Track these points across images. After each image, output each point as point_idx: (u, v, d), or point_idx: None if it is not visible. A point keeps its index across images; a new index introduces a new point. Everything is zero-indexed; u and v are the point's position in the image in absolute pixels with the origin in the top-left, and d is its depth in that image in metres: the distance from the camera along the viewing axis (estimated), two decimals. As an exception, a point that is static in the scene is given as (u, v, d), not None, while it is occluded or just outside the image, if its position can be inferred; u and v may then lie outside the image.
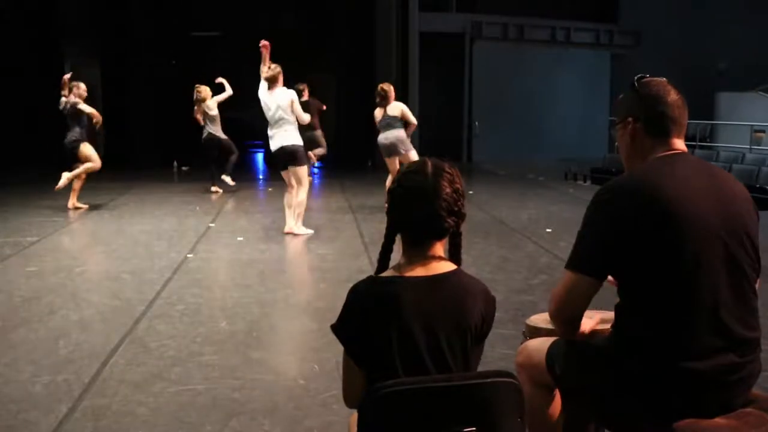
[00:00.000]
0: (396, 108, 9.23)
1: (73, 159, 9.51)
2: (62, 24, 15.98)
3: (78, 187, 9.71)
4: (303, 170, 7.86)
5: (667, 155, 2.17)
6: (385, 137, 9.24)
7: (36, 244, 7.60)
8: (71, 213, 9.53)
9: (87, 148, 9.49)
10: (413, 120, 9.33)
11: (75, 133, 9.36)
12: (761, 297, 2.21)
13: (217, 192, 11.38)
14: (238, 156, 11.67)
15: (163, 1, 16.04)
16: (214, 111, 11.16)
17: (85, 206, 9.78)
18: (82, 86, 9.48)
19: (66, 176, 9.45)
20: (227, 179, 11.33)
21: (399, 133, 9.17)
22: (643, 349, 2.06)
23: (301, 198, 7.91)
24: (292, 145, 7.71)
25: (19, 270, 6.49)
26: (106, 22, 16.04)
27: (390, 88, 9.32)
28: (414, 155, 9.07)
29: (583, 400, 2.28)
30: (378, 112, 9.34)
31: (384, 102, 9.22)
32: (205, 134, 11.27)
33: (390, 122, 9.21)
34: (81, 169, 9.55)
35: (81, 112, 9.34)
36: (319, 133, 12.05)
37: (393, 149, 9.19)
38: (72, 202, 9.71)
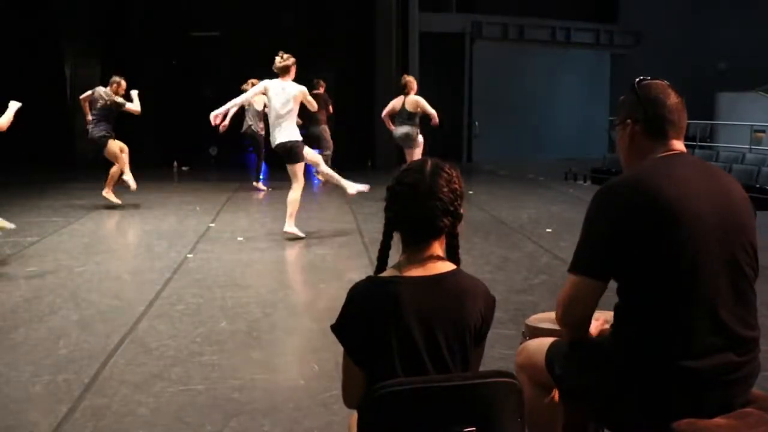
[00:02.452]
0: (413, 103, 9.88)
1: (99, 152, 9.59)
2: (62, 24, 15.98)
3: (116, 173, 9.73)
4: (299, 167, 7.64)
5: (665, 155, 2.18)
6: (397, 129, 10.01)
7: (36, 244, 7.60)
8: (103, 198, 9.70)
9: (114, 146, 9.51)
10: (430, 110, 9.89)
11: (103, 127, 9.39)
12: (760, 296, 2.21)
13: (258, 188, 11.50)
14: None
15: (162, 1, 16.03)
16: (258, 105, 11.12)
17: (118, 201, 9.81)
18: (123, 83, 9.62)
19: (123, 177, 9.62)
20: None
21: (411, 129, 9.91)
22: (642, 348, 2.06)
23: (293, 197, 7.60)
24: (289, 141, 7.50)
25: (19, 270, 6.49)
26: (106, 22, 16.04)
27: (411, 80, 10.01)
28: (418, 153, 9.84)
29: (582, 400, 2.28)
30: (397, 102, 10.00)
31: (405, 91, 9.91)
32: (244, 126, 11.39)
33: (407, 116, 9.91)
34: (112, 173, 9.63)
35: (119, 106, 9.43)
36: (325, 128, 12.08)
37: (405, 140, 9.97)
38: (108, 190, 9.72)
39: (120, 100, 9.40)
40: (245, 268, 6.66)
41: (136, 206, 10.17)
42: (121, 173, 9.65)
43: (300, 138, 7.64)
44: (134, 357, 4.35)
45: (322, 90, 12.21)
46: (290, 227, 7.69)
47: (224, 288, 5.92)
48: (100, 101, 9.38)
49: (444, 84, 17.51)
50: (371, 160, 15.72)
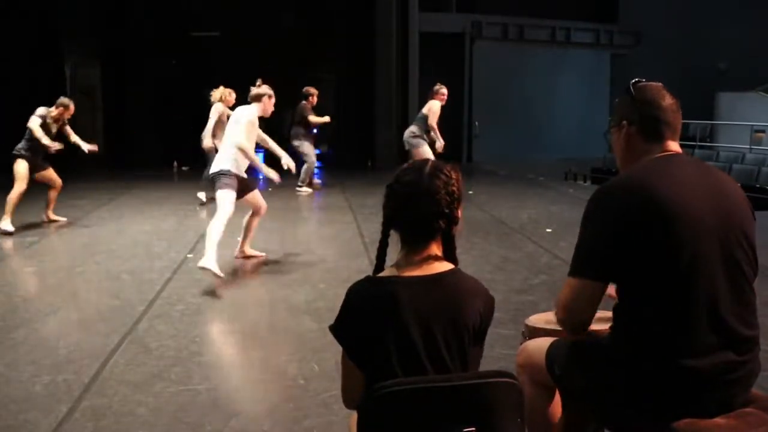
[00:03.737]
0: (426, 106, 10.22)
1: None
2: (62, 24, 15.98)
3: (52, 197, 8.73)
4: (220, 194, 6.33)
5: (662, 156, 2.19)
6: (405, 132, 10.31)
7: (36, 244, 7.60)
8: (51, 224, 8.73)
9: (19, 166, 8.26)
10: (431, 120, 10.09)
11: (21, 144, 8.34)
12: (759, 295, 2.21)
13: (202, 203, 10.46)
14: None
15: (163, 1, 16.04)
16: (214, 118, 9.80)
17: (63, 219, 8.83)
18: (66, 108, 8.37)
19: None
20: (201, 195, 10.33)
21: (411, 128, 10.18)
22: (641, 348, 2.06)
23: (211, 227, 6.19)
24: (216, 171, 6.36)
25: (19, 270, 6.49)
26: (106, 22, 16.04)
27: (437, 88, 10.23)
28: (421, 153, 9.81)
29: (582, 400, 2.28)
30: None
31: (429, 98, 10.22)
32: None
33: (417, 118, 10.26)
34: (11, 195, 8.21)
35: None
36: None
37: (406, 144, 10.18)
38: (47, 214, 8.74)
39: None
40: (245, 268, 6.66)
41: (135, 206, 10.17)
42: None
43: (225, 167, 6.32)
44: (134, 357, 4.35)
45: (314, 101, 11.45)
46: (209, 262, 5.86)
47: (224, 288, 5.92)
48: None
49: (444, 84, 17.50)
50: (371, 160, 15.73)
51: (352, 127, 16.52)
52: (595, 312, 2.20)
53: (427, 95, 10.42)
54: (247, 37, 16.32)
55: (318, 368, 4.16)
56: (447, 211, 2.00)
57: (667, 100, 2.22)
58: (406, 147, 10.27)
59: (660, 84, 2.27)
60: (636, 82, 2.28)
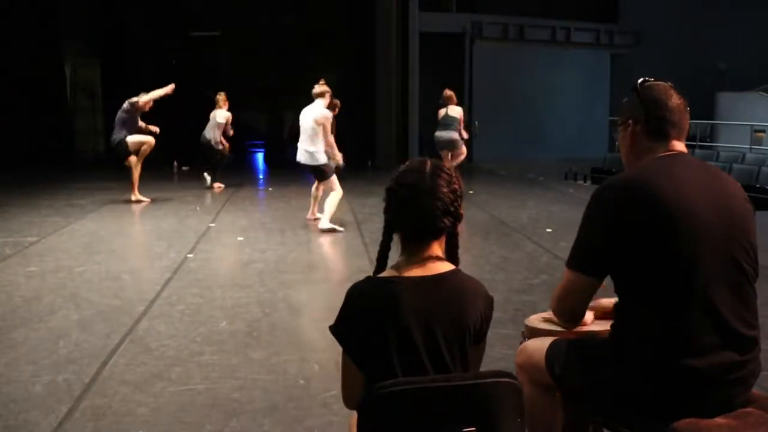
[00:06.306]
0: (457, 111, 10.95)
1: (125, 155, 10.02)
2: (62, 24, 15.99)
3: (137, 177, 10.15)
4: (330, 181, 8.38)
5: (665, 155, 2.18)
6: (443, 134, 10.87)
7: (36, 244, 7.59)
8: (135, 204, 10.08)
9: (133, 138, 10.01)
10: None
11: (120, 134, 9.95)
12: (760, 296, 2.21)
13: (219, 188, 11.66)
14: (230, 159, 11.98)
15: (162, 1, 16.04)
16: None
17: (148, 199, 10.26)
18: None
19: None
20: (207, 178, 11.71)
21: (455, 134, 10.82)
22: (642, 347, 2.06)
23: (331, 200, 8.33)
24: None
25: (19, 270, 6.49)
26: (106, 22, 16.05)
27: (452, 94, 11.11)
28: (464, 151, 10.98)
29: (582, 400, 2.29)
30: (440, 112, 11.02)
31: (446, 104, 10.97)
32: (202, 137, 11.71)
33: (450, 122, 10.90)
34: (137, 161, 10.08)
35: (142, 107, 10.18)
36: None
37: (450, 145, 10.81)
38: (135, 194, 10.19)
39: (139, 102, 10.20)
40: (245, 268, 6.66)
41: (135, 206, 10.17)
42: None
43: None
44: (134, 357, 4.35)
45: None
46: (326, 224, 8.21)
47: (224, 288, 5.92)
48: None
49: (444, 84, 17.46)
50: (372, 159, 15.73)
51: (352, 127, 16.51)
52: (586, 306, 2.21)
53: (444, 99, 11.01)
54: (247, 37, 16.32)
55: (318, 368, 4.16)
56: (452, 208, 2.00)
57: (674, 100, 2.21)
58: (450, 148, 10.79)
59: (668, 84, 2.26)
60: (644, 81, 2.27)
